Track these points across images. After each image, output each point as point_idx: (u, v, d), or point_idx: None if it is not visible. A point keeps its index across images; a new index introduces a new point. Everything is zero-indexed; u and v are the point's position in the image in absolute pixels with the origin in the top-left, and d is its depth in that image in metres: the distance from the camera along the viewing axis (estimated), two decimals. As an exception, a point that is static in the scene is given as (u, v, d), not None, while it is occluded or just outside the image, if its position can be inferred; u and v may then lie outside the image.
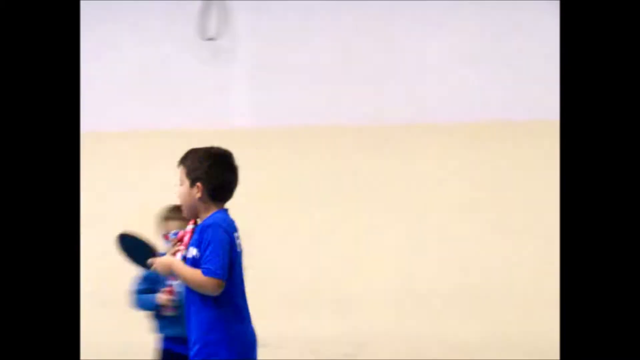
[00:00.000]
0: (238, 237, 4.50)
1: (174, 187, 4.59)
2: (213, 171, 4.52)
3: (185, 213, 4.59)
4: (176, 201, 5.70)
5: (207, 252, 4.37)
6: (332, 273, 7.78)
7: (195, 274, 4.37)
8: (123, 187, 7.98)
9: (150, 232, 5.11)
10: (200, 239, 4.43)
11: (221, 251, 4.37)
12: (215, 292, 4.36)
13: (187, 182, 4.52)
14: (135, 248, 4.62)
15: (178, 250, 4.51)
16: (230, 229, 4.47)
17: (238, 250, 4.48)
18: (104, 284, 7.70)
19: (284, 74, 8.01)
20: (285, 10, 8.00)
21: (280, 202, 7.87)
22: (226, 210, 4.57)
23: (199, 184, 4.49)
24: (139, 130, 8.05)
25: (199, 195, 4.49)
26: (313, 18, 8.00)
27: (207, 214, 4.50)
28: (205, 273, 4.35)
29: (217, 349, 4.41)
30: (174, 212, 5.59)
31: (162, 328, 5.77)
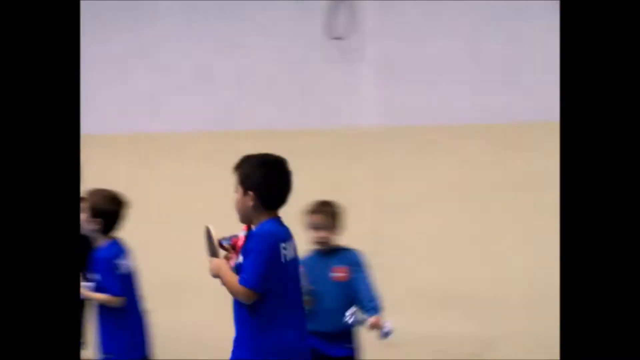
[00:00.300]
0: (286, 247, 4.47)
1: (233, 192, 4.56)
2: (265, 180, 4.49)
3: (239, 219, 4.59)
4: (324, 196, 5.79)
5: (247, 262, 4.41)
6: (460, 272, 7.71)
7: (233, 281, 4.42)
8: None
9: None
10: (246, 246, 4.46)
11: (259, 262, 4.38)
12: (247, 301, 4.39)
13: (240, 190, 4.52)
14: (209, 244, 4.67)
15: (231, 257, 4.55)
16: (276, 239, 4.45)
17: (284, 260, 4.45)
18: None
19: (411, 72, 7.96)
20: (413, 8, 7.95)
21: (410, 200, 7.83)
22: (278, 218, 4.56)
23: (251, 192, 4.48)
24: (267, 129, 8.12)
25: (251, 203, 4.48)
26: (441, 15, 7.93)
27: (259, 222, 4.50)
28: (239, 281, 4.39)
29: (242, 354, 4.45)
30: (320, 206, 5.68)
31: None
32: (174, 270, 7.92)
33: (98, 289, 5.52)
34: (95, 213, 5.61)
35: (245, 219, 4.55)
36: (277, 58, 8.15)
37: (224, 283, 4.46)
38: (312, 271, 5.64)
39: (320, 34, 7.96)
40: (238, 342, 4.47)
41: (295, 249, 4.57)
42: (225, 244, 4.58)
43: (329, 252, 5.75)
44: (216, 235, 4.62)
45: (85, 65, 8.42)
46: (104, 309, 5.53)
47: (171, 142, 8.33)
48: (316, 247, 5.76)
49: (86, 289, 5.52)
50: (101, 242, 5.64)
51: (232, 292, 4.44)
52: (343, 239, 5.88)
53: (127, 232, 5.80)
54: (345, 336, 5.72)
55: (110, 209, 5.63)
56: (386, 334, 5.58)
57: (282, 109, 8.11)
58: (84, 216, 5.58)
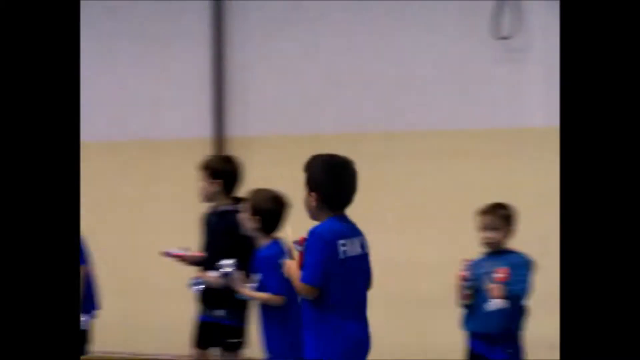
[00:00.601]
0: (346, 244, 4.66)
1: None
2: (328, 181, 4.67)
3: (310, 217, 4.78)
4: (497, 198, 5.72)
5: (306, 259, 4.64)
6: None
7: (297, 278, 4.68)
8: (394, 187, 8.11)
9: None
10: (306, 245, 4.67)
11: (316, 260, 4.60)
12: (309, 296, 4.63)
13: (306, 189, 4.71)
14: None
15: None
16: (333, 237, 4.63)
17: (342, 257, 4.63)
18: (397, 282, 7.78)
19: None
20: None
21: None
22: (341, 217, 4.73)
23: (314, 192, 4.67)
24: (431, 130, 8.06)
25: (314, 202, 4.68)
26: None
27: (322, 220, 4.70)
28: (300, 278, 4.65)
29: (309, 347, 4.67)
30: (492, 208, 5.68)
31: (465, 322, 5.69)
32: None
33: (260, 288, 5.58)
34: (256, 212, 5.66)
35: (313, 217, 4.74)
36: (441, 58, 8.08)
37: (293, 281, 4.72)
38: (478, 271, 5.58)
39: (486, 33, 7.85)
40: (306, 336, 4.70)
41: (362, 246, 4.76)
42: (297, 248, 4.75)
43: (496, 254, 5.67)
44: (291, 238, 4.85)
45: (250, 65, 8.63)
46: (266, 309, 5.58)
47: (336, 143, 8.36)
48: (485, 248, 5.68)
49: (249, 289, 5.59)
50: (263, 241, 5.71)
51: (296, 289, 4.70)
52: (515, 241, 5.76)
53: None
54: (506, 339, 5.61)
55: (271, 208, 5.67)
56: None
57: (446, 110, 8.04)
58: (245, 215, 5.68)
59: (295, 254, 4.77)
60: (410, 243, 8.01)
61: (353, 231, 4.75)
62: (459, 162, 7.84)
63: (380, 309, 8.04)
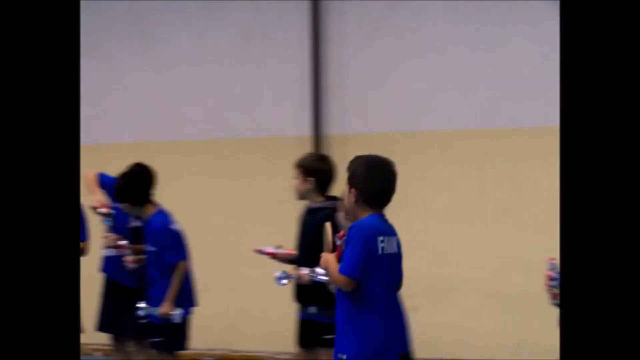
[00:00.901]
0: (384, 241, 4.79)
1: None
2: (368, 179, 4.82)
3: (347, 215, 4.94)
4: None
5: (345, 252, 4.75)
6: None
7: (334, 270, 4.77)
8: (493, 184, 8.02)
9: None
10: (346, 238, 4.80)
11: (355, 253, 4.71)
12: (346, 288, 4.73)
13: (347, 186, 4.86)
14: (326, 240, 5.00)
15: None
16: (374, 232, 4.76)
17: (380, 252, 4.76)
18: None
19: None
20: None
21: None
22: (379, 215, 4.85)
23: (353, 189, 4.82)
24: (532, 127, 7.97)
25: (353, 199, 4.83)
26: None
27: (361, 217, 4.82)
28: (338, 270, 4.74)
29: (348, 341, 4.76)
30: None
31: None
32: (441, 269, 7.91)
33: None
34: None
35: (351, 214, 4.88)
36: (543, 56, 7.97)
37: (330, 273, 4.83)
38: None
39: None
40: (339, 327, 4.81)
41: (397, 246, 4.87)
42: (337, 242, 4.87)
43: None
44: (330, 232, 5.00)
45: (348, 64, 8.62)
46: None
47: (434, 141, 8.32)
48: None
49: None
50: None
51: (334, 280, 4.81)
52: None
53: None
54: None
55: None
56: None
57: (549, 107, 7.92)
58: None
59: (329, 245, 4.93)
60: (508, 240, 7.92)
61: (391, 230, 4.88)
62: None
63: (477, 307, 8.01)
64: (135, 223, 6.61)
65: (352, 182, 4.85)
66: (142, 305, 6.27)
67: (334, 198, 5.88)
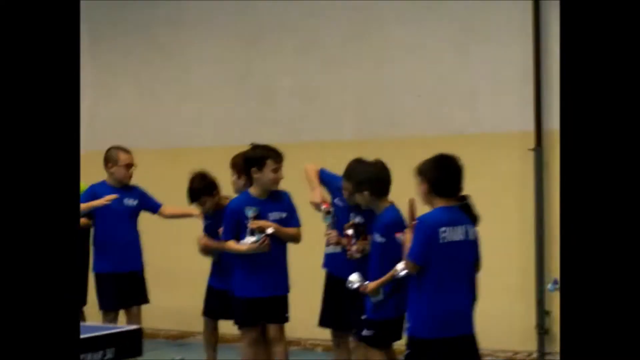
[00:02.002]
0: (446, 231, 5.48)
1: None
2: (433, 172, 5.57)
3: (423, 203, 5.66)
4: None
5: (413, 240, 5.53)
6: None
7: (405, 254, 5.61)
8: None
9: None
10: (415, 228, 5.55)
11: (419, 241, 5.50)
12: (411, 271, 5.57)
13: (418, 179, 5.64)
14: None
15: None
16: (434, 223, 5.49)
17: (441, 242, 5.46)
18: None
19: None
20: None
21: None
22: (449, 207, 5.55)
23: (423, 181, 5.59)
24: None
25: (424, 191, 5.59)
26: None
27: (432, 207, 5.59)
28: (407, 255, 5.58)
29: (416, 322, 5.55)
30: None
31: None
32: None
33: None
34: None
35: (425, 203, 5.64)
36: None
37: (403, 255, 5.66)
38: None
39: None
40: (408, 302, 5.63)
41: (466, 233, 5.55)
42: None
43: None
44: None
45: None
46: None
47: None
48: None
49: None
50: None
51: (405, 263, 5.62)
52: None
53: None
54: None
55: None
56: None
57: None
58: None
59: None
60: None
61: (458, 220, 5.55)
62: None
63: None
64: (357, 219, 6.65)
65: (422, 175, 5.60)
66: (354, 277, 6.30)
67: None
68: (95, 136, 9.89)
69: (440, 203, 5.55)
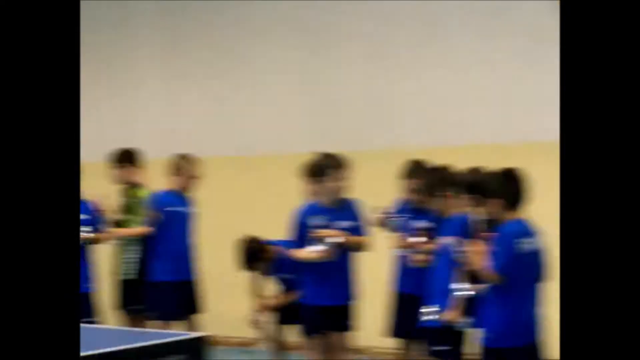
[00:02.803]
0: (523, 242, 5.62)
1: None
2: (507, 187, 5.69)
3: (490, 222, 5.80)
4: None
5: (495, 252, 5.61)
6: None
7: (482, 266, 5.67)
8: None
9: None
10: (495, 240, 5.66)
11: (503, 252, 5.59)
12: (495, 282, 5.62)
13: (481, 199, 5.81)
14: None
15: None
16: (517, 234, 5.63)
17: (521, 252, 5.60)
18: None
19: None
20: None
21: None
22: (519, 219, 5.69)
23: (495, 198, 5.71)
24: None
25: (496, 207, 5.71)
26: None
27: (505, 221, 5.67)
28: (493, 267, 5.62)
29: (496, 332, 5.65)
30: None
31: None
32: None
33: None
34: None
35: (493, 221, 5.76)
36: None
37: (476, 267, 5.72)
38: None
39: None
40: (485, 309, 5.73)
41: (538, 244, 5.69)
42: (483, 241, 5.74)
43: None
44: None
45: None
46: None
47: None
48: None
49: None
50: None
51: (483, 274, 5.68)
52: None
53: None
54: None
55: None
56: None
57: None
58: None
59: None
60: None
61: (532, 231, 5.70)
62: None
63: None
64: (421, 224, 6.63)
65: (491, 194, 5.71)
66: (425, 309, 6.24)
67: None
68: (163, 144, 9.95)
69: (513, 216, 5.69)
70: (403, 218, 6.81)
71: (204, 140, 10.20)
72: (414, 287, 6.66)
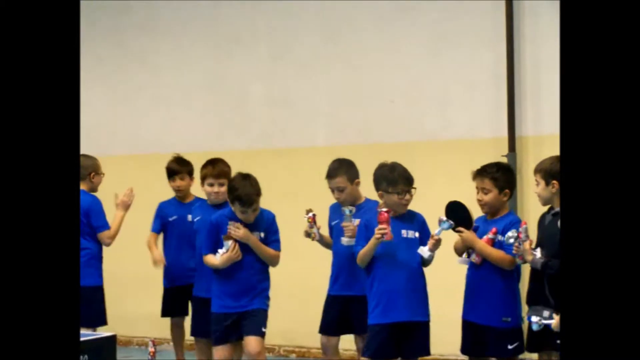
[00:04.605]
0: None
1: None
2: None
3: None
4: None
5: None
6: None
7: (499, 252, 6.17)
8: None
9: None
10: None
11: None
12: (511, 267, 6.17)
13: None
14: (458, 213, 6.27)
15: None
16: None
17: None
18: None
19: None
20: None
21: None
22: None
23: (507, 190, 6.34)
24: None
25: (505, 198, 6.36)
26: None
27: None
28: (507, 252, 6.08)
29: (509, 314, 6.17)
30: None
31: None
32: None
33: None
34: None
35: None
36: None
37: (488, 253, 6.20)
38: None
39: None
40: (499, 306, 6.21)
41: None
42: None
43: None
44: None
45: (541, 66, 8.35)
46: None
47: None
48: None
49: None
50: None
51: (498, 259, 6.16)
52: None
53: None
54: None
55: None
56: None
57: None
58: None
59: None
60: None
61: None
62: None
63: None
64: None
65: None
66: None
67: None
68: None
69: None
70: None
71: (108, 139, 10.07)
72: None
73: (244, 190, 6.54)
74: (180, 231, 7.84)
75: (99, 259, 7.67)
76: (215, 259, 6.66)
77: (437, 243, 6.23)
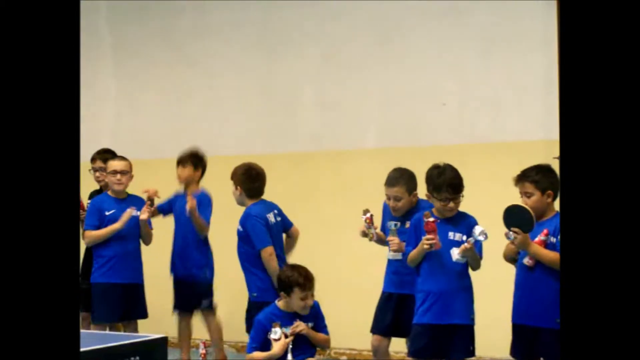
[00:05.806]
0: None
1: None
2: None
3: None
4: None
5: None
6: None
7: (554, 254, 6.02)
8: None
9: None
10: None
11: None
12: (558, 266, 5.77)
13: (543, 190, 6.22)
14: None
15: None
16: None
17: None
18: None
19: None
20: None
21: None
22: None
23: (549, 191, 6.25)
24: None
25: (549, 200, 6.26)
26: None
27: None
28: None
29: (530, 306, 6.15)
30: None
31: None
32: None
33: None
34: None
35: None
36: None
37: (542, 254, 6.11)
38: None
39: None
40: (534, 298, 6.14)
41: None
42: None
43: None
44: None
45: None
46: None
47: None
48: None
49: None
50: None
51: (549, 259, 6.07)
52: None
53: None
54: None
55: None
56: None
57: None
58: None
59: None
60: None
61: None
62: None
63: None
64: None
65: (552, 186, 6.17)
66: None
67: None
68: (120, 146, 9.87)
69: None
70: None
71: (161, 142, 10.15)
72: None
73: (304, 272, 6.61)
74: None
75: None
76: (262, 354, 6.57)
77: (469, 250, 6.20)
